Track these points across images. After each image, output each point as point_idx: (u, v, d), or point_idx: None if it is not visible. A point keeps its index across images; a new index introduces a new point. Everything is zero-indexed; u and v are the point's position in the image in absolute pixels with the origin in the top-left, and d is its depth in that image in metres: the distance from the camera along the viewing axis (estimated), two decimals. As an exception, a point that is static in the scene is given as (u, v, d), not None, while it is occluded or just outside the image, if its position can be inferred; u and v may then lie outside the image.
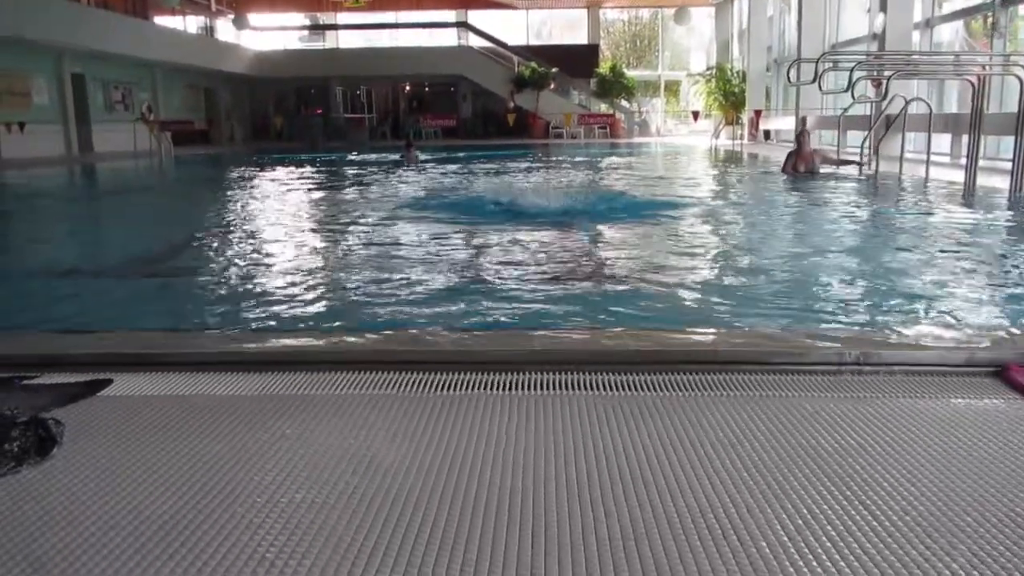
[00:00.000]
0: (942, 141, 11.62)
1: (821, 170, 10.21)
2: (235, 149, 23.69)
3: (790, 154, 10.49)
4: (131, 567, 1.17)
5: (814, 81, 9.29)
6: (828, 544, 1.23)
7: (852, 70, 9.02)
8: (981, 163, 8.60)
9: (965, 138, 9.10)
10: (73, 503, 1.38)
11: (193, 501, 1.38)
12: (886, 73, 9.71)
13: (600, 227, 6.23)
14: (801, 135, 10.42)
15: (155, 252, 5.57)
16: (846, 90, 9.21)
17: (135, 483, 1.46)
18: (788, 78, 12.77)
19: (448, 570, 1.16)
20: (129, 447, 1.62)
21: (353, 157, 17.83)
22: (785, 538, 1.25)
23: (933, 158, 9.66)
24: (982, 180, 8.24)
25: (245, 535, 1.27)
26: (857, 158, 10.74)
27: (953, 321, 3.34)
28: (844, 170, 10.40)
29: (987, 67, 9.35)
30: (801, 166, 10.14)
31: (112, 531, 1.28)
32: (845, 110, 12.41)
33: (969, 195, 7.87)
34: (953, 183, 8.66)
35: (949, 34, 13.56)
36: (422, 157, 16.15)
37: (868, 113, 12.62)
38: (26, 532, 1.28)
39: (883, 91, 10.11)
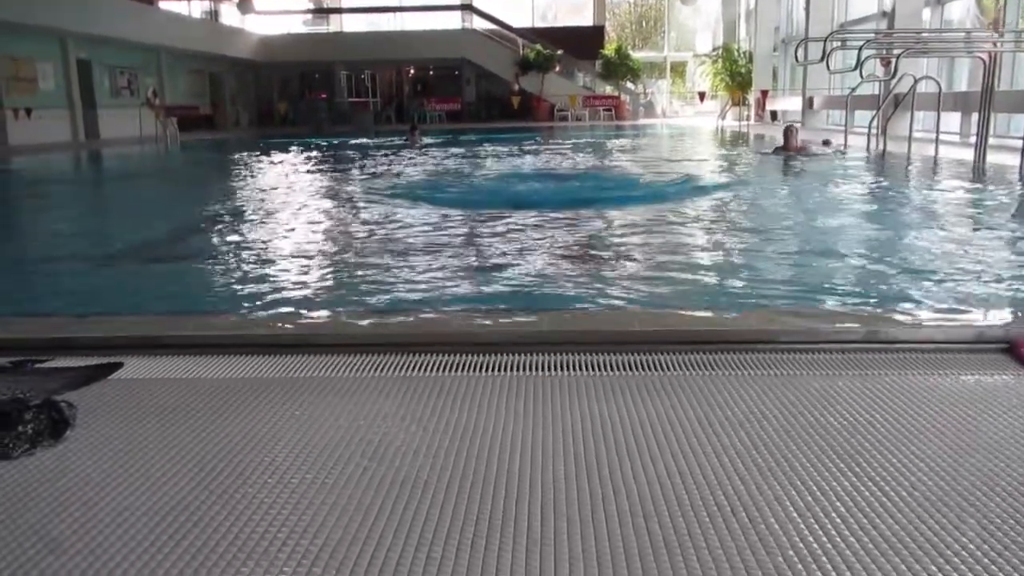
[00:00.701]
0: (952, 120, 11.52)
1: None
2: (240, 134, 23.66)
3: (777, 148, 10.85)
4: (145, 546, 1.19)
5: (822, 60, 9.22)
6: (837, 520, 1.23)
7: (861, 48, 8.95)
8: (991, 141, 8.53)
9: (975, 116, 9.02)
10: (87, 484, 1.39)
11: (205, 482, 1.39)
12: (895, 51, 9.61)
13: (603, 209, 6.21)
14: (788, 131, 10.75)
15: (164, 237, 5.59)
16: (854, 69, 9.14)
17: (148, 464, 1.47)
18: (796, 57, 12.65)
19: (459, 546, 1.17)
20: (141, 429, 1.64)
21: (358, 141, 17.80)
22: (795, 514, 1.25)
23: (942, 137, 9.57)
24: (992, 158, 8.18)
25: (256, 515, 1.28)
26: (829, 149, 11.15)
27: (962, 299, 3.33)
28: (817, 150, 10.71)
29: (998, 44, 9.24)
30: (783, 153, 10.57)
31: (126, 511, 1.29)
32: (853, 89, 12.30)
33: (978, 173, 7.81)
34: (962, 161, 8.60)
35: (960, 12, 13.40)
36: (426, 141, 16.14)
37: (876, 92, 12.51)
38: (41, 513, 1.30)
39: (892, 70, 10.02)
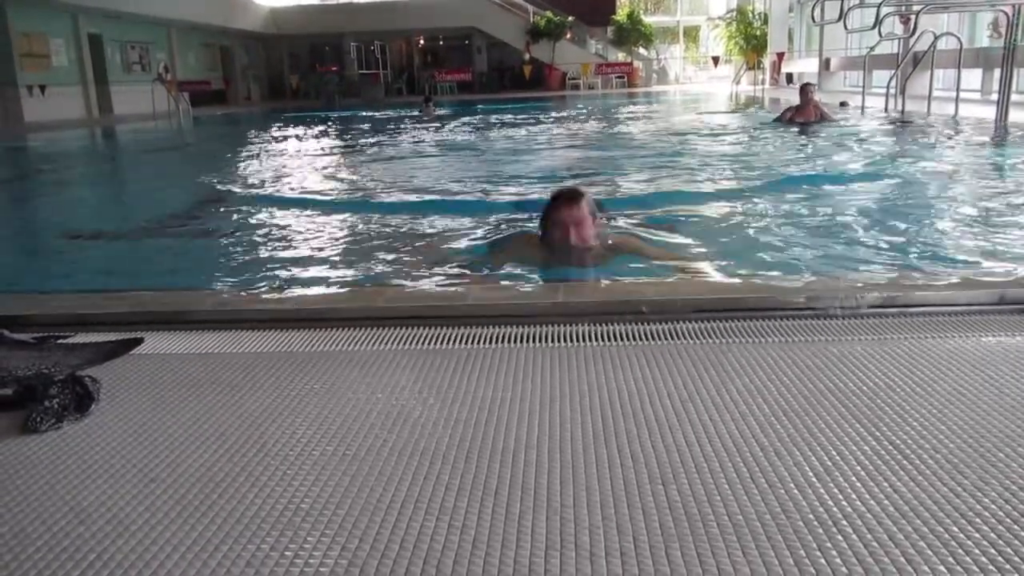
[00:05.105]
0: (973, 77, 11.29)
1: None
2: (252, 109, 23.61)
3: (790, 108, 9.90)
4: (172, 517, 1.21)
5: (839, 20, 9.03)
6: (858, 483, 1.23)
7: (880, 6, 8.75)
8: (1014, 98, 8.36)
9: (997, 72, 8.84)
10: (113, 457, 1.42)
11: (228, 454, 1.41)
12: (915, 8, 9.40)
13: (616, 177, 6.17)
14: (805, 89, 9.77)
15: (182, 212, 5.60)
16: (873, 27, 8.95)
17: (171, 438, 1.49)
18: (812, 17, 12.38)
19: (479, 515, 1.18)
20: (164, 403, 1.66)
21: (371, 114, 17.73)
22: (814, 478, 1.25)
23: (963, 95, 9.39)
24: (1014, 115, 8.02)
25: (280, 487, 1.30)
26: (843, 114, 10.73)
27: (982, 260, 3.29)
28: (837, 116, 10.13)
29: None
30: (800, 119, 9.52)
31: (152, 483, 1.32)
32: (871, 49, 12.08)
33: (1000, 131, 7.67)
34: (983, 119, 8.44)
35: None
36: (439, 112, 16.14)
37: (895, 52, 12.27)
38: (70, 485, 1.32)
39: (912, 27, 9.80)
